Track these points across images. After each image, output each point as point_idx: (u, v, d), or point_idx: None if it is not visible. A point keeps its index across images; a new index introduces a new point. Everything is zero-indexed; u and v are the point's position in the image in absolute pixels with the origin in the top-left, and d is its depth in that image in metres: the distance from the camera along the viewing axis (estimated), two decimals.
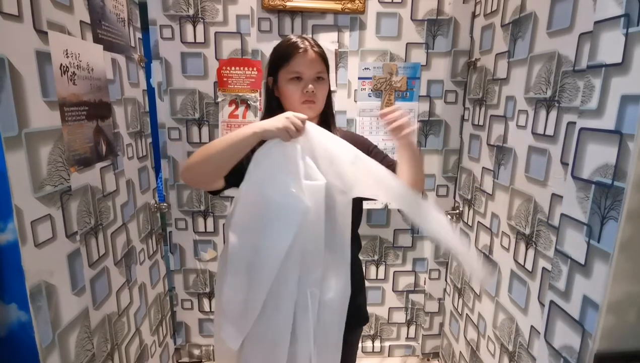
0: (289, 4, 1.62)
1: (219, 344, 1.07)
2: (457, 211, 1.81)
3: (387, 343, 2.07)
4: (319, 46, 0.99)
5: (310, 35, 1.68)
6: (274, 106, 1.01)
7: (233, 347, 0.94)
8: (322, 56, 0.98)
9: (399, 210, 0.91)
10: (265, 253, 0.87)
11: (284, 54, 0.97)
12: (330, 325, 0.93)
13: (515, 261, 1.27)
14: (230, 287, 0.91)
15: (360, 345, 1.87)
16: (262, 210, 0.87)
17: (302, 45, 0.95)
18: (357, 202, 0.95)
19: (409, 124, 0.90)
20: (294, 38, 0.98)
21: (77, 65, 1.00)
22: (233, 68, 1.69)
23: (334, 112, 1.08)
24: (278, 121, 0.84)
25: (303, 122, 0.85)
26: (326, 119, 1.05)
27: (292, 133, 0.84)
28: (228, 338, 0.94)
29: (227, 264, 0.91)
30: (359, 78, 1.74)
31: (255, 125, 0.86)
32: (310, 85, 0.94)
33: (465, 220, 1.73)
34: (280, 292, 0.88)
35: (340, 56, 1.71)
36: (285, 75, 0.96)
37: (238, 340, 0.93)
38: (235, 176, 0.90)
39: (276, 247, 0.85)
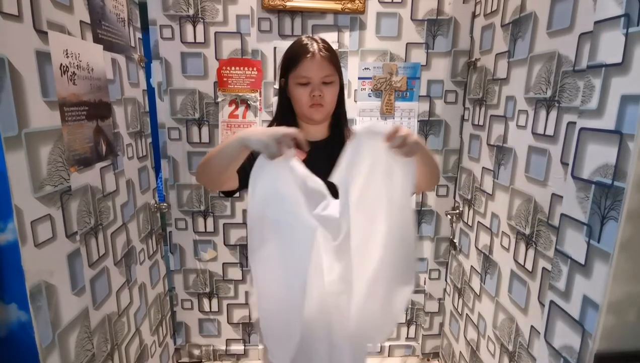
0: (289, 4, 1.62)
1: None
2: (457, 211, 1.81)
3: (387, 343, 2.07)
4: (328, 49, 0.97)
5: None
6: (285, 105, 1.03)
7: None
8: (330, 60, 0.97)
9: None
10: (289, 275, 0.84)
11: (293, 58, 0.97)
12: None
13: (515, 261, 1.27)
14: (265, 314, 0.89)
15: None
16: (270, 233, 0.83)
17: (310, 50, 0.95)
18: None
19: (411, 136, 0.79)
20: (304, 40, 0.98)
21: (77, 65, 1.00)
22: (233, 68, 1.69)
23: (345, 112, 1.08)
24: (264, 135, 0.78)
25: (304, 145, 0.79)
26: (338, 120, 1.06)
27: (273, 153, 0.77)
28: (277, 361, 0.93)
29: (258, 293, 0.89)
30: (359, 78, 1.74)
31: (243, 131, 0.83)
32: (317, 90, 0.95)
33: (465, 220, 1.73)
34: (311, 309, 0.86)
35: (340, 56, 1.71)
36: (293, 79, 0.97)
37: (287, 361, 0.89)
38: (246, 178, 0.88)
39: (297, 268, 0.82)
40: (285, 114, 1.02)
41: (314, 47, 0.95)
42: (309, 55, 0.94)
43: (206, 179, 0.92)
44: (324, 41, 0.99)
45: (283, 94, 1.03)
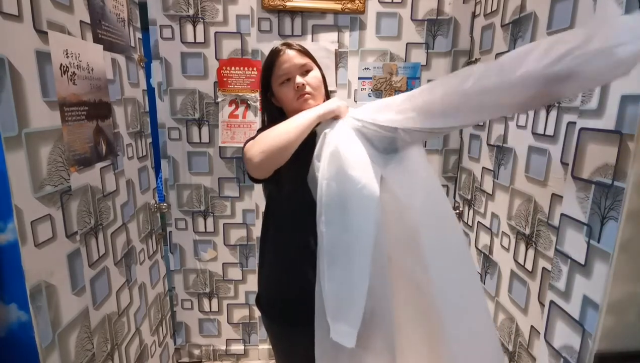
0: (289, 4, 1.62)
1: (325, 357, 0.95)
2: (457, 211, 1.81)
3: None
4: (298, 46, 1.02)
5: (310, 35, 1.69)
6: (276, 115, 1.05)
7: (349, 345, 0.87)
8: (301, 51, 1.01)
9: None
10: (354, 241, 0.87)
11: (268, 64, 1.02)
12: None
13: (515, 261, 1.27)
14: (331, 279, 0.89)
15: None
16: (343, 201, 0.87)
17: (280, 48, 1.00)
18: None
19: None
20: (274, 47, 1.03)
21: (77, 65, 1.00)
22: (233, 68, 1.69)
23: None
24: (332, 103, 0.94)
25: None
26: None
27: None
28: (342, 337, 0.88)
29: (324, 258, 0.90)
30: (359, 78, 1.74)
31: (315, 109, 0.93)
32: (298, 80, 0.97)
33: (465, 220, 1.73)
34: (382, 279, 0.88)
35: (340, 56, 1.71)
36: (276, 81, 1.00)
37: (353, 336, 0.86)
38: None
39: (362, 235, 0.86)
40: (278, 123, 1.00)
41: (284, 46, 1.01)
42: (281, 53, 0.99)
43: (277, 157, 0.90)
44: (294, 42, 1.04)
45: (271, 105, 1.06)
